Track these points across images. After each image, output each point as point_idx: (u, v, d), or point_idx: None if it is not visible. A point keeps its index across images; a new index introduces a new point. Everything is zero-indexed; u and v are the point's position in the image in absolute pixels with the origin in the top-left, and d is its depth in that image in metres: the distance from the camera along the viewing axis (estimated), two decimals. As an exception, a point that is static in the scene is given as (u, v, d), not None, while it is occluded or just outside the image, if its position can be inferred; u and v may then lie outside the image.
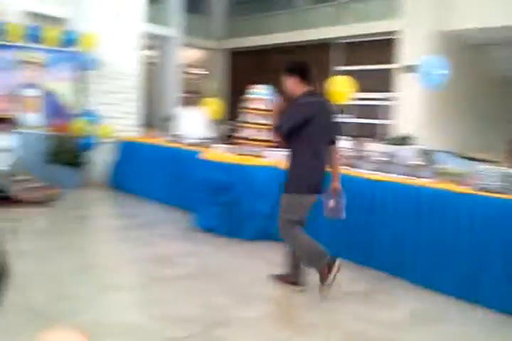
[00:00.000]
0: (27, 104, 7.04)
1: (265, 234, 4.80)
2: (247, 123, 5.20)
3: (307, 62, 3.57)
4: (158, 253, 4.17)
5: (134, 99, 8.05)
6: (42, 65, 7.05)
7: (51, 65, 7.03)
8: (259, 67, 12.84)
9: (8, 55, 6.90)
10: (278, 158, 4.99)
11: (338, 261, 3.25)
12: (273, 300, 3.28)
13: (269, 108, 5.22)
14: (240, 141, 5.23)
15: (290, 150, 3.38)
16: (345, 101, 6.58)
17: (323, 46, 11.69)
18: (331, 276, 3.22)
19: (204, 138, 6.42)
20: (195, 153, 5.83)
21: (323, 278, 3.26)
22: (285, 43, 12.13)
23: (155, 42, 12.24)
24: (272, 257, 4.27)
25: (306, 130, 3.23)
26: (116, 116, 7.69)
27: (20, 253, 3.69)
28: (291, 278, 3.50)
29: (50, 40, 7.02)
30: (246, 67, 13.36)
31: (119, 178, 7.16)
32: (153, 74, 12.34)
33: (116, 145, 7.29)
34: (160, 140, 6.93)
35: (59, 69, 7.02)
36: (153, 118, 12.28)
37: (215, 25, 13.94)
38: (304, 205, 3.37)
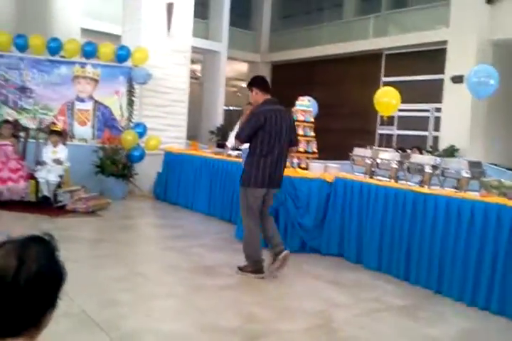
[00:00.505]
0: (80, 116, 7.37)
1: (308, 246, 4.78)
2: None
3: (263, 76, 4.42)
4: (201, 264, 4.22)
5: (181, 112, 8.25)
6: (95, 79, 7.37)
7: (104, 79, 7.34)
8: (301, 80, 12.88)
9: (65, 70, 7.27)
10: (322, 170, 4.97)
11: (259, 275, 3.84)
12: (314, 314, 3.24)
13: (310, 120, 5.23)
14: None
15: (248, 150, 3.91)
16: (391, 112, 6.49)
17: (369, 57, 11.62)
18: (247, 273, 3.87)
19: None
20: (239, 164, 5.90)
21: (241, 270, 3.90)
22: (330, 55, 12.13)
23: (201, 56, 12.54)
24: (314, 270, 4.25)
25: (259, 133, 3.75)
26: (164, 128, 7.91)
27: (71, 260, 3.82)
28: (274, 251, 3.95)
29: (103, 56, 7.34)
30: (288, 80, 13.43)
31: (165, 189, 7.33)
32: (198, 88, 12.62)
33: (162, 157, 7.48)
34: (204, 152, 7.05)
35: (111, 83, 7.31)
36: (199, 130, 12.52)
37: (258, 39, 14.13)
38: (255, 197, 3.85)
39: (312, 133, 5.23)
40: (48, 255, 0.96)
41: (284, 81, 13.60)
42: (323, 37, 12.60)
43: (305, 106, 5.25)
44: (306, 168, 5.06)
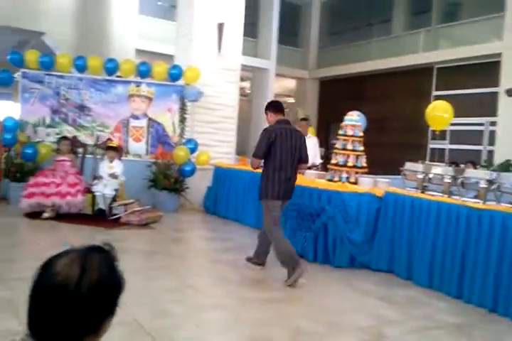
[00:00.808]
0: (134, 133, 7.67)
1: (357, 262, 4.72)
2: (338, 149, 5.22)
3: (278, 100, 5.06)
4: (249, 277, 4.26)
5: (231, 128, 8.41)
6: (149, 98, 7.68)
7: (158, 97, 7.63)
8: (350, 95, 12.82)
9: (121, 89, 7.62)
10: (371, 184, 4.93)
11: (301, 269, 3.98)
12: (363, 329, 3.19)
13: (359, 134, 5.21)
14: (332, 167, 5.24)
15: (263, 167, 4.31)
16: (444, 127, 6.34)
17: (420, 71, 11.44)
18: (293, 279, 3.95)
19: (314, 165, 6.54)
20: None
21: (289, 275, 3.99)
22: (379, 70, 12.04)
23: (250, 73, 12.77)
24: (363, 285, 4.19)
25: (271, 150, 4.13)
26: (214, 144, 8.09)
27: (125, 271, 3.96)
28: (257, 260, 4.44)
29: (157, 75, 7.64)
30: (336, 95, 13.42)
31: (214, 203, 7.45)
32: (247, 104, 12.82)
33: (212, 172, 7.63)
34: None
35: (164, 101, 7.59)
36: (247, 145, 12.68)
37: (306, 56, 14.23)
38: (273, 208, 4.19)
39: (361, 148, 5.21)
40: (109, 264, 1.00)
41: (332, 97, 13.59)
42: (372, 52, 12.54)
43: (354, 121, 5.24)
44: (355, 183, 5.03)
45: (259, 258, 4.48)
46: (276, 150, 4.13)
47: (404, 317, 3.48)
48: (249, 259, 4.54)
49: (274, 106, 4.46)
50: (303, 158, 4.34)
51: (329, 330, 3.13)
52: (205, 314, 3.35)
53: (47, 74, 7.41)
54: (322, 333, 3.07)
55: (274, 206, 4.19)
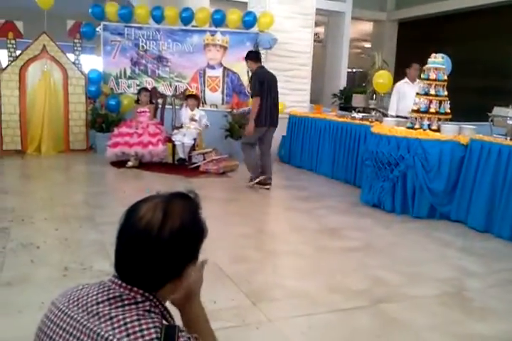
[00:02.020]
0: (210, 83, 7.72)
1: (437, 212, 4.58)
2: (419, 94, 4.92)
3: (256, 50, 6.29)
4: (325, 225, 4.29)
5: (305, 75, 8.20)
6: (224, 47, 7.63)
7: (232, 45, 7.56)
8: (431, 37, 11.91)
9: (196, 38, 7.62)
10: (455, 132, 4.66)
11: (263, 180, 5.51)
12: (444, 281, 3.14)
13: (442, 78, 4.87)
14: (413, 113, 4.99)
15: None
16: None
17: (508, 9, 10.29)
18: (254, 183, 5.52)
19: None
20: (364, 127, 5.77)
21: (251, 180, 5.54)
22: (463, 8, 10.99)
23: (324, 18, 12.20)
24: (443, 236, 4.09)
25: (261, 87, 5.29)
26: (288, 92, 7.95)
27: (205, 217, 4.14)
28: (263, 180, 5.53)
29: (231, 23, 7.53)
30: (415, 38, 12.52)
31: (289, 152, 7.47)
32: (320, 51, 12.37)
33: (287, 121, 7.57)
34: (328, 115, 6.99)
35: (239, 49, 7.50)
36: (321, 93, 12.37)
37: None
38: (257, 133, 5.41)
39: (445, 93, 4.87)
40: (192, 211, 1.01)
41: (412, 40, 12.71)
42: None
43: (438, 64, 4.88)
44: (437, 130, 4.77)
45: (266, 180, 5.57)
46: (265, 88, 5.32)
47: (486, 270, 3.37)
48: (258, 182, 5.55)
49: (255, 56, 5.52)
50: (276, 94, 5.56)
51: (409, 281, 3.11)
52: (282, 260, 3.46)
53: (126, 26, 7.56)
54: (401, 284, 3.06)
55: (256, 132, 5.35)
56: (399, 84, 6.47)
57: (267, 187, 5.54)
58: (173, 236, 0.93)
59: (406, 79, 6.41)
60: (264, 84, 5.32)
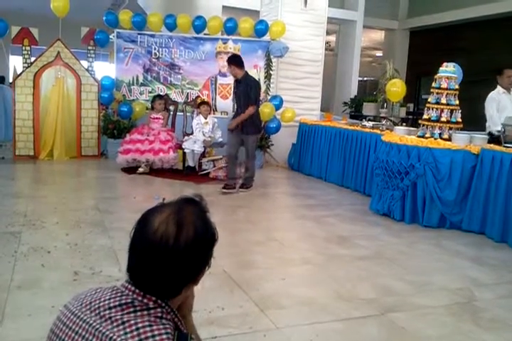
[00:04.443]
0: (222, 90, 7.78)
1: (448, 221, 4.55)
2: (430, 103, 4.92)
3: (238, 54, 6.07)
4: (334, 233, 4.28)
5: (316, 84, 8.23)
6: (235, 55, 7.69)
7: (244, 53, 7.61)
8: (442, 46, 11.89)
9: (208, 46, 7.69)
10: (467, 141, 4.64)
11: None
12: (454, 291, 3.11)
13: (454, 87, 4.85)
14: (424, 122, 4.98)
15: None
16: None
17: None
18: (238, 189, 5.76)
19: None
20: (375, 135, 5.76)
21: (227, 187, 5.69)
22: (476, 17, 10.96)
23: (336, 26, 12.23)
24: (454, 246, 4.05)
25: (259, 96, 5.70)
26: (299, 100, 7.99)
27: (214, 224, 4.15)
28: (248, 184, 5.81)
29: (243, 31, 7.60)
30: (427, 47, 12.51)
31: (299, 160, 7.47)
32: (331, 59, 12.39)
33: (297, 129, 7.59)
34: (338, 123, 7.00)
35: (250, 57, 7.56)
36: (332, 101, 12.38)
37: (396, 5, 13.29)
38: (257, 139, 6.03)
39: (456, 102, 4.86)
40: (202, 216, 1.02)
41: (423, 48, 12.70)
42: (469, -3, 11.40)
43: (450, 73, 4.88)
44: (448, 139, 4.75)
45: (249, 183, 5.80)
46: (257, 95, 5.61)
47: (498, 281, 3.34)
48: (241, 186, 5.80)
49: (240, 61, 5.49)
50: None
51: (418, 290, 3.09)
52: (291, 268, 3.44)
53: (139, 34, 7.66)
54: (410, 293, 3.04)
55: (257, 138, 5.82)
56: (495, 94, 5.55)
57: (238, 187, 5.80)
58: (189, 245, 0.95)
59: (499, 88, 5.55)
60: (258, 92, 5.56)
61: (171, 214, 0.98)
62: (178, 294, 1.00)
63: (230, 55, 5.99)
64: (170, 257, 0.94)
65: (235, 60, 5.51)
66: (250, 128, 5.60)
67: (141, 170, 6.45)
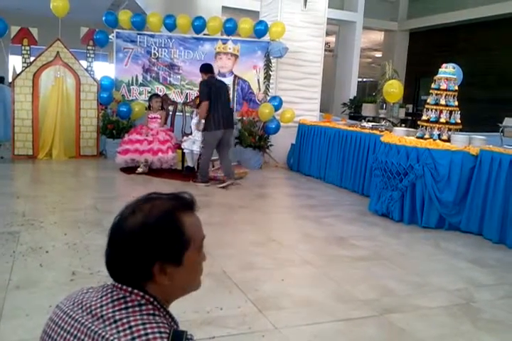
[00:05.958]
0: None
1: (446, 222, 4.55)
2: (429, 104, 4.92)
3: (208, 63, 6.30)
4: (333, 234, 4.28)
5: (315, 84, 8.23)
6: (235, 55, 7.69)
7: (243, 54, 7.62)
8: (442, 47, 11.92)
9: (208, 47, 7.69)
10: (466, 142, 4.64)
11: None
12: (453, 292, 3.11)
13: (453, 88, 4.86)
14: (423, 123, 4.98)
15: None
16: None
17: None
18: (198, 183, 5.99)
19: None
20: (374, 136, 5.76)
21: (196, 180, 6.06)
22: (475, 19, 10.99)
23: (335, 27, 12.25)
24: (452, 247, 4.05)
25: (209, 92, 5.74)
26: (298, 101, 7.99)
27: (212, 224, 4.16)
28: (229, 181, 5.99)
29: (243, 31, 7.60)
30: (427, 48, 12.54)
31: (298, 160, 7.47)
32: (331, 60, 12.40)
33: (296, 129, 7.59)
34: (337, 124, 7.00)
35: (250, 58, 7.56)
36: (331, 102, 12.39)
37: (396, 6, 13.31)
38: (213, 136, 5.88)
39: (455, 103, 4.87)
40: (166, 210, 0.97)
41: (423, 49, 12.74)
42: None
43: (449, 74, 4.88)
44: (447, 140, 4.75)
45: (230, 178, 5.98)
46: (213, 94, 5.75)
47: (496, 281, 3.34)
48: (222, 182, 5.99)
49: (206, 69, 5.97)
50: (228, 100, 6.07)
51: (417, 291, 3.09)
52: (290, 268, 3.44)
53: (139, 34, 7.66)
54: (409, 294, 3.04)
55: (214, 135, 5.80)
56: None
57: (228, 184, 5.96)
58: (134, 228, 0.95)
59: None
60: (212, 90, 5.76)
61: (137, 202, 1.00)
62: (148, 278, 0.96)
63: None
64: (119, 238, 0.97)
65: (200, 68, 6.08)
66: (204, 126, 5.92)
67: (140, 170, 6.44)
